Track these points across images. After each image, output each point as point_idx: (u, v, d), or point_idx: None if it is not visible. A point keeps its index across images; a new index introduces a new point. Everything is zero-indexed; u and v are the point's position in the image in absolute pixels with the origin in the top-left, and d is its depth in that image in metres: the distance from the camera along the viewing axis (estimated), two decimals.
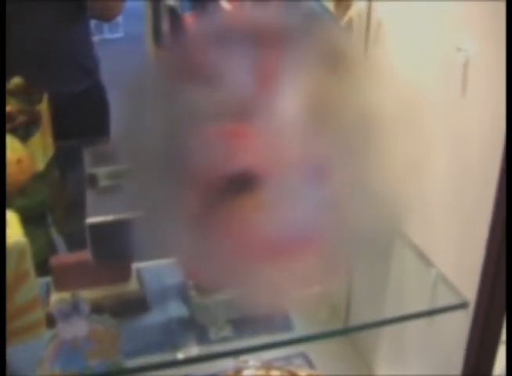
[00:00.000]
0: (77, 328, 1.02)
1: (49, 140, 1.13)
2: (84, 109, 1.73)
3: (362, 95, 0.71)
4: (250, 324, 1.17)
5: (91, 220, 0.94)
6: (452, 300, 0.89)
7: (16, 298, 0.76)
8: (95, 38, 2.03)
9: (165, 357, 1.15)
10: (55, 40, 1.60)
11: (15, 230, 0.77)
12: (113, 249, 0.99)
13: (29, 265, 0.77)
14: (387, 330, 1.12)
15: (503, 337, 0.88)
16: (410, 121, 0.73)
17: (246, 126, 0.69)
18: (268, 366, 1.09)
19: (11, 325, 0.76)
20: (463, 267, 0.88)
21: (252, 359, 1.10)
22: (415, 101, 0.74)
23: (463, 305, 0.87)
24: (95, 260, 0.98)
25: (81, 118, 1.66)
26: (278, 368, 1.08)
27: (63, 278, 1.18)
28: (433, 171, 0.89)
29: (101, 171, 1.04)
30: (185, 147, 0.70)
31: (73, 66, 1.70)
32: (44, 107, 1.06)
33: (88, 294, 1.08)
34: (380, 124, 0.72)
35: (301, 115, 0.68)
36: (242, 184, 0.68)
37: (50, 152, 1.13)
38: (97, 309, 1.09)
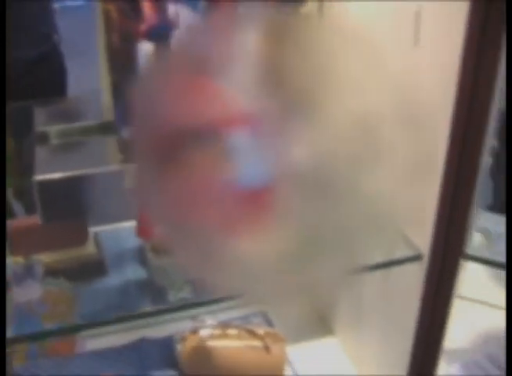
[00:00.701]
0: (31, 291, 1.01)
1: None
2: (41, 73, 1.70)
3: (315, 55, 0.72)
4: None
5: (39, 177, 0.91)
6: (407, 252, 0.89)
7: None
8: (56, 6, 1.99)
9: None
10: (11, 5, 1.57)
11: None
12: (64, 208, 0.96)
13: None
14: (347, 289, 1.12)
15: (458, 290, 0.88)
16: (361, 72, 0.73)
17: (207, 80, 0.68)
18: (225, 325, 1.08)
19: None
20: (416, 219, 0.87)
21: (210, 319, 1.09)
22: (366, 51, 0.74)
23: (417, 258, 0.87)
24: (44, 220, 0.96)
25: (37, 82, 1.64)
26: (235, 327, 1.08)
27: (17, 242, 1.16)
28: (382, 119, 0.88)
29: (53, 129, 1.02)
30: (146, 100, 0.69)
31: (29, 31, 1.67)
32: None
33: (44, 258, 1.07)
34: (333, 80, 0.72)
35: (257, 76, 0.68)
36: (201, 138, 0.67)
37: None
38: (53, 272, 1.07)
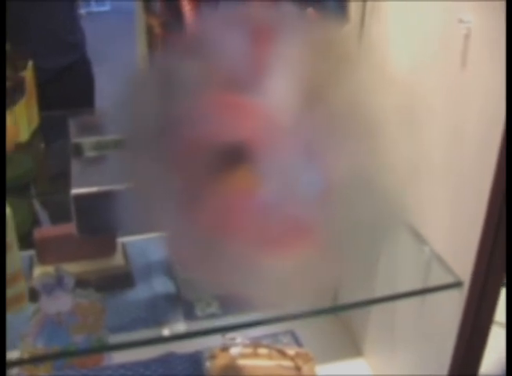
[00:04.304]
0: (61, 303, 1.00)
1: (34, 110, 1.09)
2: (68, 83, 1.71)
3: (354, 81, 0.71)
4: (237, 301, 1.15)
5: (76, 191, 0.91)
6: (446, 279, 0.87)
7: None
8: (82, 12, 2.00)
9: (150, 333, 1.13)
10: (38, 15, 1.57)
11: None
12: (99, 222, 0.96)
13: (12, 237, 0.74)
14: (378, 309, 1.10)
15: (497, 317, 0.87)
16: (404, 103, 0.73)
17: (241, 98, 0.67)
18: (256, 343, 1.07)
19: None
20: (457, 246, 0.86)
21: (239, 337, 1.08)
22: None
23: (457, 285, 0.86)
24: (80, 233, 0.95)
25: (65, 93, 1.64)
26: (266, 346, 1.07)
27: (47, 251, 1.16)
28: (429, 145, 0.87)
29: (87, 141, 1.01)
30: (178, 118, 0.68)
31: (56, 41, 1.68)
32: (29, 74, 1.03)
33: (72, 268, 1.06)
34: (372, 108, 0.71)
35: (294, 96, 0.68)
36: (235, 157, 0.66)
37: (35, 122, 1.09)
38: (81, 283, 1.07)
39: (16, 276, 0.75)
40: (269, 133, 0.67)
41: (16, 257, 0.75)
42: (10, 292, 0.75)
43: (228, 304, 1.16)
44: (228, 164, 0.66)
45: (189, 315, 1.16)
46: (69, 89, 1.70)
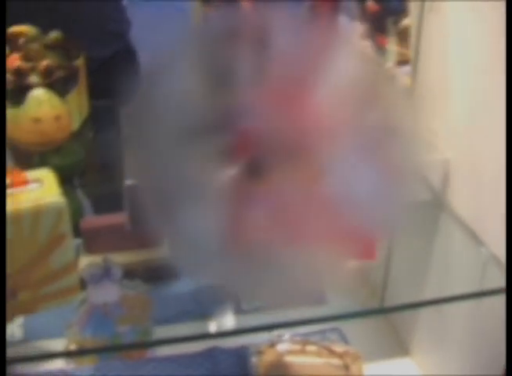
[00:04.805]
0: (108, 293, 1.00)
1: (85, 99, 1.09)
2: (113, 73, 1.70)
3: None
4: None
5: (129, 182, 0.90)
6: (503, 282, 0.85)
7: (50, 262, 0.73)
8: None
9: (195, 326, 1.13)
10: (84, 4, 1.57)
11: (52, 190, 0.73)
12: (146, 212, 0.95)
13: (66, 227, 0.74)
14: (428, 310, 1.08)
15: None
16: None
17: (307, 92, 0.66)
18: (304, 340, 1.06)
19: (44, 289, 0.74)
20: None
21: (287, 333, 1.07)
22: None
23: None
24: (132, 224, 0.94)
25: (111, 82, 1.63)
26: (314, 343, 1.05)
27: (93, 241, 1.16)
28: (486, 139, 0.85)
29: None
30: (232, 109, 0.67)
31: (102, 31, 1.67)
32: (81, 63, 1.02)
33: (118, 259, 1.06)
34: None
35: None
36: (299, 153, 0.65)
37: (85, 111, 1.09)
38: (128, 274, 1.06)
39: (69, 267, 0.74)
40: (335, 130, 0.66)
41: (69, 248, 0.75)
42: (64, 282, 0.74)
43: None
44: (293, 161, 0.65)
45: (235, 308, 1.15)
46: (112, 79, 1.70)
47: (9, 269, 0.70)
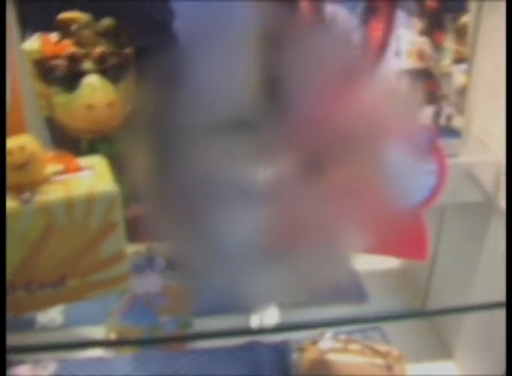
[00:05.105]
0: (151, 283, 1.00)
1: (133, 87, 1.08)
2: (157, 62, 1.70)
3: None
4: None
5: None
6: None
7: (100, 250, 0.72)
8: None
9: (236, 319, 1.12)
10: None
11: (105, 177, 0.73)
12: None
13: (118, 216, 0.73)
14: (475, 314, 1.06)
15: None
16: None
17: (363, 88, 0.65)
18: (347, 339, 1.05)
19: (93, 277, 0.73)
20: None
21: (329, 331, 1.06)
22: None
23: None
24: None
25: (153, 72, 1.63)
26: (356, 341, 1.04)
27: (138, 230, 1.15)
28: None
29: None
30: (292, 100, 0.66)
31: (145, 20, 1.67)
32: (131, 51, 1.02)
33: (162, 249, 1.05)
34: None
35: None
36: (354, 148, 0.64)
37: (134, 100, 1.08)
38: (171, 264, 1.06)
39: (119, 256, 0.74)
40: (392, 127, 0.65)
41: (120, 236, 0.74)
42: (113, 271, 0.74)
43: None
44: (347, 156, 0.64)
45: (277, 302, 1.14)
46: (155, 69, 1.70)
47: (59, 256, 0.70)
